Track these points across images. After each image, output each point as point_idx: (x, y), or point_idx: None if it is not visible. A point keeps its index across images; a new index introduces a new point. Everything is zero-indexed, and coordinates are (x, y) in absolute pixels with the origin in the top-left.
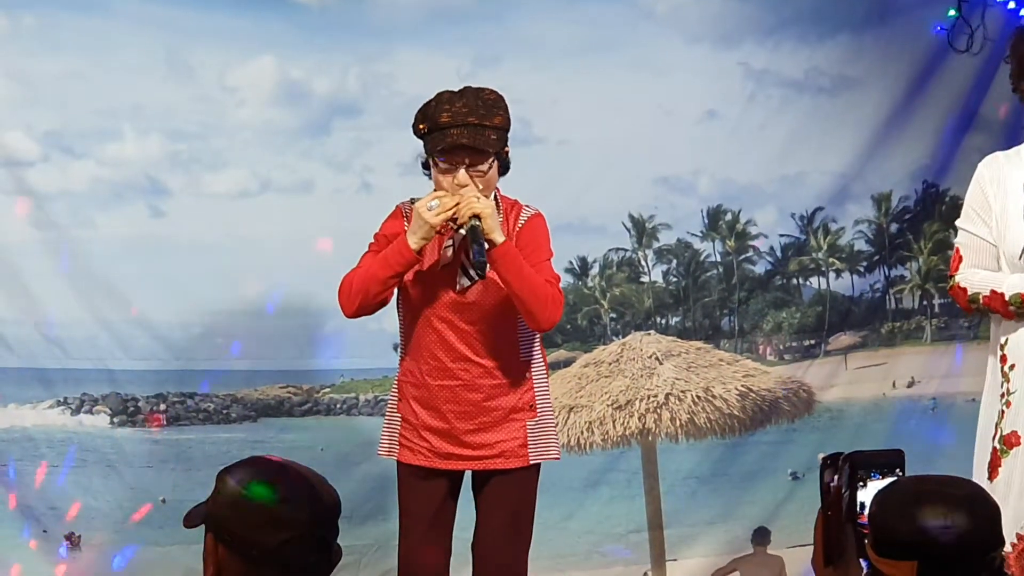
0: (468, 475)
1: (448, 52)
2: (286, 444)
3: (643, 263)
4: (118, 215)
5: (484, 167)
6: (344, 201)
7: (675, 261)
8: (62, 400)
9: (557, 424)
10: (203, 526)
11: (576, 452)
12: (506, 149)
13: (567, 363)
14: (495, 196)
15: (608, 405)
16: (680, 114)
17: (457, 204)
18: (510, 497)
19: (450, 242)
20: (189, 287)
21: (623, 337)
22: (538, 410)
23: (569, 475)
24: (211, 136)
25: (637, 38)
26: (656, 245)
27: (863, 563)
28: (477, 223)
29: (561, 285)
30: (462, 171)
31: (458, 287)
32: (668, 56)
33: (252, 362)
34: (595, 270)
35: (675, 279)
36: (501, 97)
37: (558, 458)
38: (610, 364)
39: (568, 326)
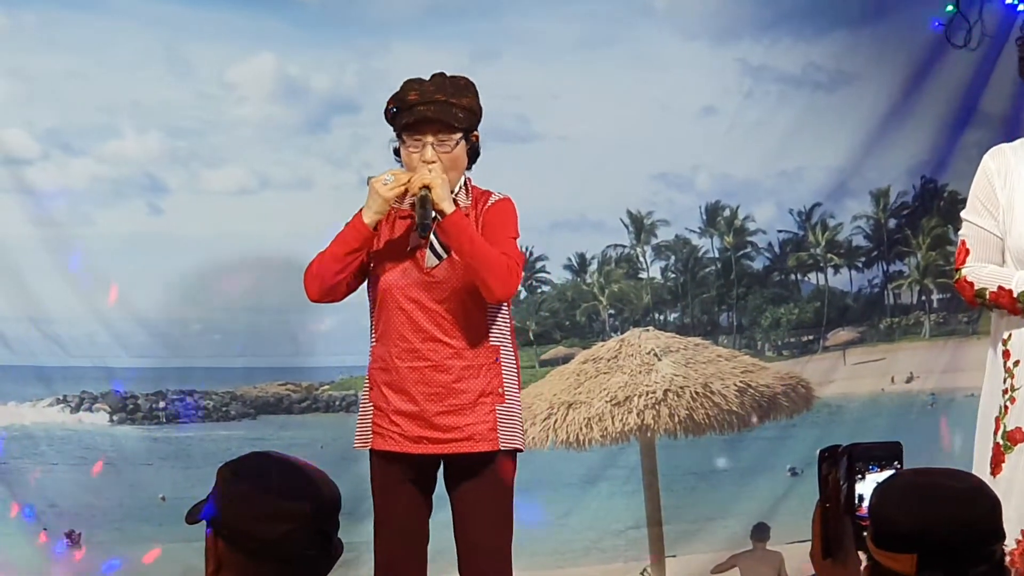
0: (440, 477)
1: (446, 48)
2: (285, 441)
3: (641, 259)
4: (117, 212)
5: (450, 143)
6: (343, 198)
7: (673, 257)
8: (61, 398)
9: (523, 418)
10: (204, 522)
11: (575, 448)
12: (475, 134)
13: (566, 359)
14: (465, 183)
15: (607, 401)
16: (678, 110)
17: (410, 179)
18: (487, 484)
19: (416, 225)
20: (188, 284)
21: (622, 333)
22: (506, 397)
23: (568, 471)
24: (210, 133)
25: (635, 34)
26: (654, 241)
27: (862, 555)
28: (427, 192)
29: (558, 280)
30: (429, 148)
31: (426, 265)
32: (666, 52)
33: (251, 359)
34: (593, 266)
35: (673, 275)
36: (472, 84)
37: (522, 449)
38: (609, 360)
39: (567, 322)
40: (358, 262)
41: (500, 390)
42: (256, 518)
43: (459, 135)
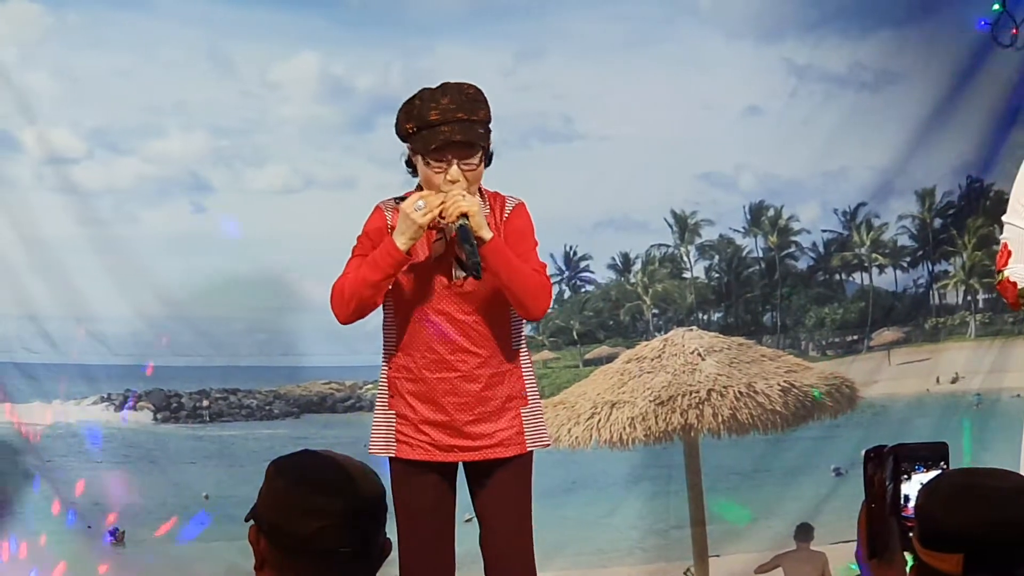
0: (461, 473)
1: (490, 47)
2: (329, 440)
3: (685, 259)
4: (162, 211)
5: (475, 161)
6: (387, 196)
7: (717, 257)
8: (106, 396)
9: (545, 413)
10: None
11: (618, 448)
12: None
13: (609, 359)
14: (480, 191)
15: (650, 401)
16: (722, 110)
17: (443, 203)
18: (512, 488)
19: (440, 235)
20: (232, 283)
21: (665, 333)
22: (529, 398)
23: (611, 471)
24: (254, 132)
25: (679, 33)
26: (698, 241)
27: (907, 556)
28: (466, 222)
29: (602, 280)
30: (454, 167)
31: (454, 277)
32: (710, 51)
33: (295, 358)
34: (637, 266)
35: (717, 275)
36: (480, 91)
37: (548, 445)
38: (652, 360)
39: (610, 322)
40: (389, 285)
41: (523, 393)
42: (291, 514)
43: (480, 154)
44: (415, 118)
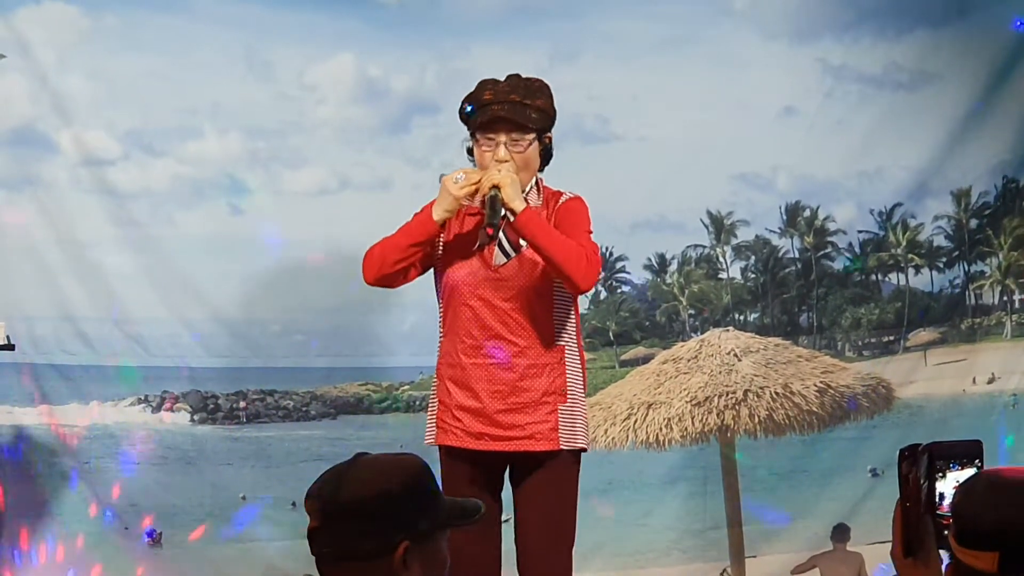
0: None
1: (526, 48)
2: (365, 441)
3: (721, 259)
4: (198, 213)
5: (524, 143)
6: (423, 198)
7: (753, 258)
8: (143, 398)
9: (588, 418)
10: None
11: (655, 448)
12: (548, 136)
13: (646, 360)
14: (536, 183)
15: (687, 401)
16: (758, 110)
17: (481, 179)
18: (550, 488)
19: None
20: (268, 285)
21: (702, 334)
22: (569, 397)
23: (648, 471)
24: (290, 134)
25: (715, 34)
26: (734, 241)
27: (943, 554)
28: (496, 192)
29: (638, 281)
30: (502, 147)
31: (494, 262)
32: (746, 52)
33: (331, 359)
34: (673, 267)
35: (753, 275)
36: (547, 86)
37: (586, 449)
38: (689, 361)
39: (647, 323)
40: (419, 255)
41: (563, 390)
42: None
43: (532, 135)
44: (471, 98)
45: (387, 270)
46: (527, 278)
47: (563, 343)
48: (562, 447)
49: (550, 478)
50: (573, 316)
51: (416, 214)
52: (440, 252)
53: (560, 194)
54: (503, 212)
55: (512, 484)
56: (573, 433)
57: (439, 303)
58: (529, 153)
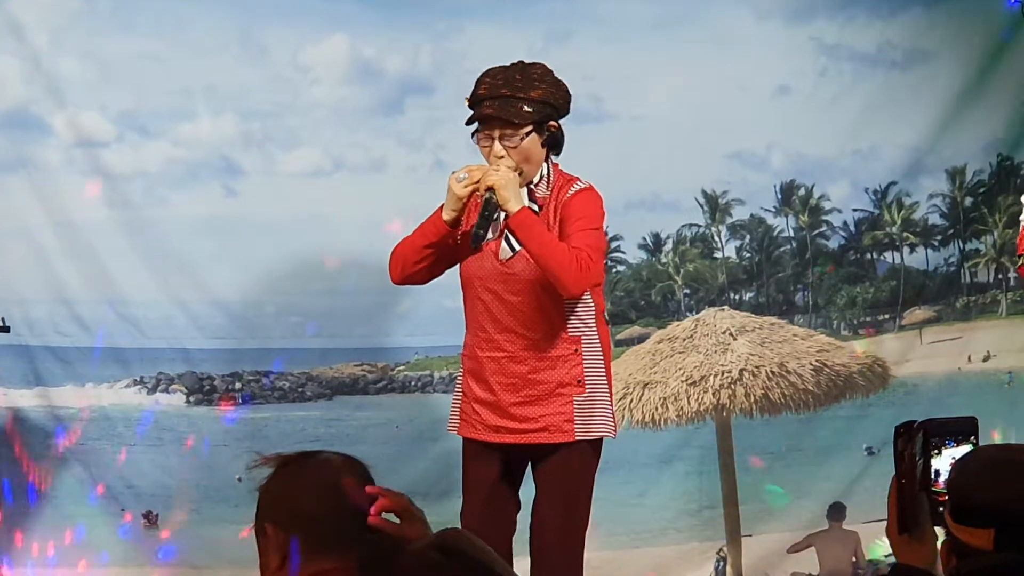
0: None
1: (519, 28)
2: (361, 422)
3: (716, 239)
4: (192, 195)
5: (516, 139)
6: (417, 179)
7: (748, 236)
8: (138, 379)
9: (611, 403)
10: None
11: (651, 428)
12: (552, 124)
13: (641, 339)
14: (549, 170)
15: (682, 381)
16: (752, 89)
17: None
18: (562, 477)
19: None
20: (263, 266)
21: (697, 313)
22: (587, 386)
23: (644, 451)
24: (284, 115)
25: (709, 13)
26: (729, 220)
27: (938, 530)
28: (491, 195)
29: (633, 260)
30: (497, 144)
31: (500, 256)
32: (740, 31)
33: (326, 340)
34: (668, 246)
35: (748, 254)
36: (549, 72)
37: (611, 435)
38: (684, 340)
39: (642, 302)
40: (435, 255)
41: (580, 380)
42: None
43: (525, 130)
44: (471, 94)
45: (409, 270)
46: (535, 272)
47: (578, 333)
48: (577, 438)
49: (566, 467)
50: (589, 304)
51: (432, 213)
52: (460, 245)
53: (571, 183)
54: (501, 214)
55: (533, 472)
56: (590, 423)
57: (463, 294)
58: (526, 147)
